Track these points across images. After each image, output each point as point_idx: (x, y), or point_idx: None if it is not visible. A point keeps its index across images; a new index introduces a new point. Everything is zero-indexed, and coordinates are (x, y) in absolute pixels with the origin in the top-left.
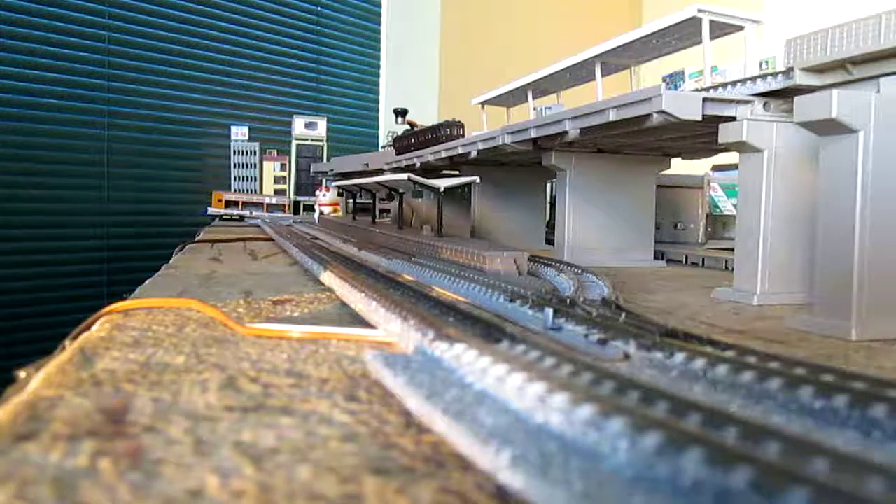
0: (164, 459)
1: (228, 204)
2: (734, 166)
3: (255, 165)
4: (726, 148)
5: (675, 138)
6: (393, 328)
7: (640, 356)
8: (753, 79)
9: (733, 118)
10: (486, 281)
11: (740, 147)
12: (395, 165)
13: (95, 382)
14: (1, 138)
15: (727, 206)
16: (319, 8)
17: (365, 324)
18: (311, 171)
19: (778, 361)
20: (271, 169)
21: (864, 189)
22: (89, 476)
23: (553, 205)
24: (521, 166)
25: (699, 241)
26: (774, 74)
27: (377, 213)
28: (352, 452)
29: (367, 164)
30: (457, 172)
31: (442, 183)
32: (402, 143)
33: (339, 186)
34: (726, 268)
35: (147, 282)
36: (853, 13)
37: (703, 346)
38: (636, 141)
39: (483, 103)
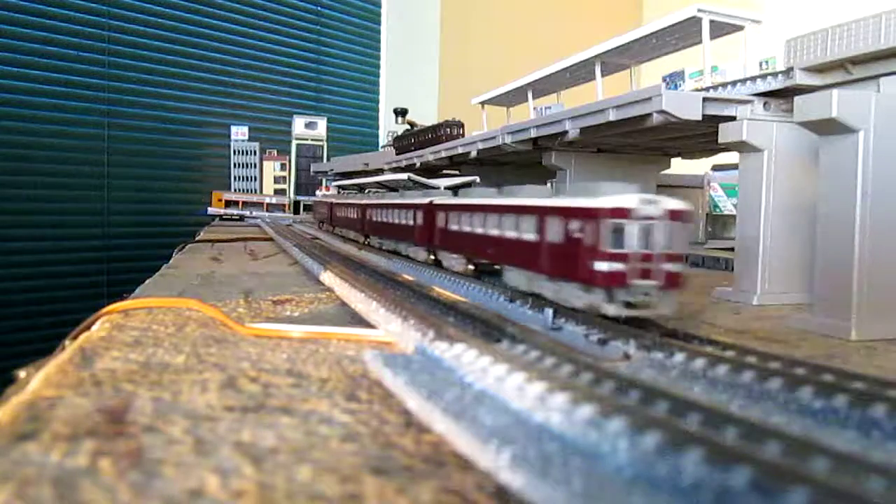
0: (164, 459)
1: (228, 204)
2: (734, 166)
3: (255, 165)
4: (726, 148)
5: (675, 138)
6: (393, 328)
7: (640, 356)
8: (753, 79)
9: (733, 118)
10: (486, 280)
11: (740, 147)
12: (395, 165)
13: (95, 382)
14: (1, 138)
15: (727, 206)
16: (319, 8)
17: (365, 324)
18: (311, 170)
19: (778, 361)
20: (271, 169)
21: (864, 189)
22: (89, 476)
23: None
24: (521, 166)
25: (699, 240)
26: (774, 74)
27: None
28: (352, 452)
29: (367, 164)
30: (457, 172)
31: (442, 183)
32: (402, 143)
33: (339, 186)
34: (726, 267)
35: (147, 282)
36: (853, 13)
37: (703, 346)
38: (636, 141)
39: (483, 103)
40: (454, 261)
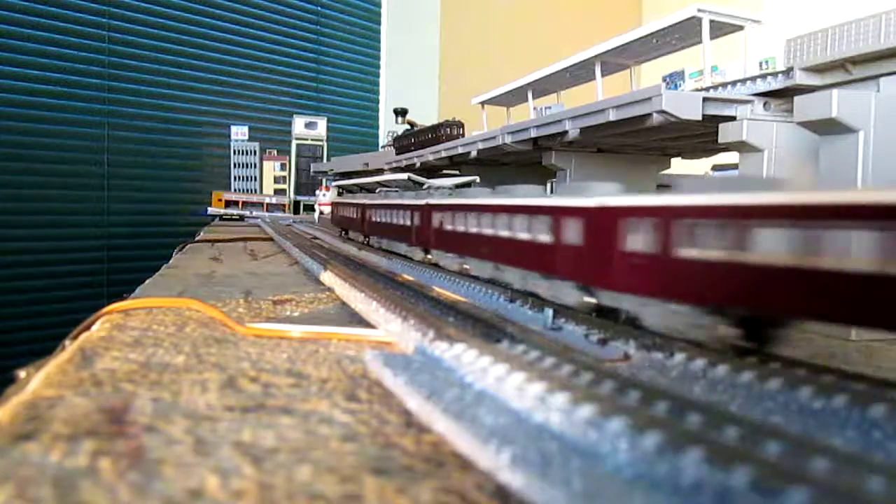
0: (164, 459)
1: (228, 204)
2: (734, 166)
3: (255, 165)
4: (726, 148)
5: (675, 138)
6: (393, 328)
7: (640, 356)
8: (753, 79)
9: (733, 118)
10: (486, 280)
11: (740, 147)
12: (395, 165)
13: (95, 382)
14: (1, 138)
15: None
16: (319, 8)
17: (365, 324)
18: (311, 170)
19: (778, 361)
20: (271, 169)
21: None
22: (89, 476)
23: None
24: (521, 166)
25: None
26: (774, 74)
27: None
28: (352, 452)
29: (367, 164)
30: (457, 172)
31: (441, 183)
32: (402, 143)
33: (339, 186)
34: None
35: (147, 282)
36: (853, 13)
37: (703, 347)
38: (636, 141)
39: (483, 103)
40: (648, 310)
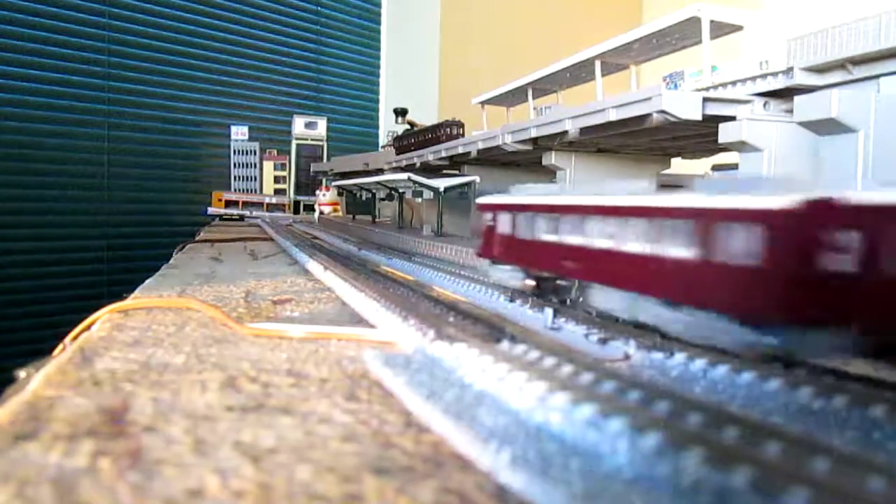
0: (164, 459)
1: (228, 203)
2: (734, 166)
3: (255, 165)
4: (726, 148)
5: (675, 138)
6: (393, 328)
7: (640, 356)
8: (753, 78)
9: (733, 118)
10: (486, 280)
11: (740, 147)
12: (395, 165)
13: (95, 382)
14: (2, 138)
15: None
16: (319, 8)
17: (365, 324)
18: (311, 170)
19: (778, 362)
20: (271, 169)
21: None
22: (89, 476)
23: None
24: (521, 166)
25: None
26: (775, 74)
27: (377, 212)
28: (352, 452)
29: (367, 164)
30: (457, 172)
31: (442, 183)
32: (402, 143)
33: (339, 186)
34: None
35: (147, 281)
36: (853, 13)
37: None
38: (636, 141)
39: (483, 103)
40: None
